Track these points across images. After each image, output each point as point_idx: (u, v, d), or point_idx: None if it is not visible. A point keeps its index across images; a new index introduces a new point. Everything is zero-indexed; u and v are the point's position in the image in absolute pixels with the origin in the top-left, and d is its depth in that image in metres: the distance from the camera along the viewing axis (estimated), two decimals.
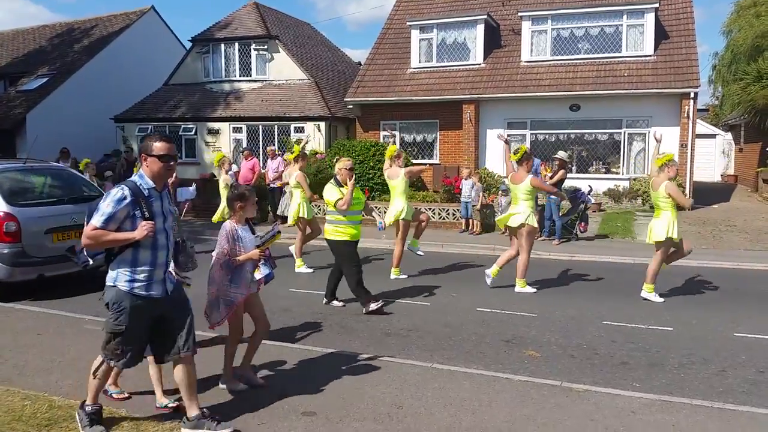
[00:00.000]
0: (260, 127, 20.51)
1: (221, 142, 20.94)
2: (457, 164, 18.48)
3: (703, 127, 27.52)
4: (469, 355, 5.99)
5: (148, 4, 27.83)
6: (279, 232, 5.03)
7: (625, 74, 17.29)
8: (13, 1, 79.53)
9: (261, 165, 17.70)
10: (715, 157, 29.28)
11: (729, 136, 29.19)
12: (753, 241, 12.41)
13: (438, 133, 19.44)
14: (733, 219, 15.20)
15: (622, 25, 17.80)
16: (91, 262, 4.16)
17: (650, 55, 17.45)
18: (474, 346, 6.28)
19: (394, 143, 14.35)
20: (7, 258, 8.08)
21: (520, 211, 8.34)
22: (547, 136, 18.50)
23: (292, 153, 11.13)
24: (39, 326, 6.92)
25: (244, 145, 20.19)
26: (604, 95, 17.22)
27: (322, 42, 27.17)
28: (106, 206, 3.79)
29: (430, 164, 18.96)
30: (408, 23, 20.25)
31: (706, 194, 19.32)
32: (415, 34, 19.92)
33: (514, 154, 8.60)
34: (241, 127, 20.77)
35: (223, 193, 10.66)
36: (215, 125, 21.05)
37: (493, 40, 19.74)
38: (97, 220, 3.78)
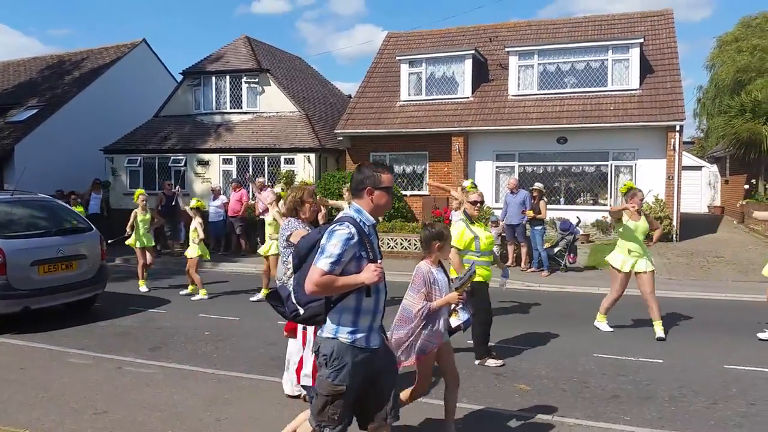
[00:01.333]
0: (250, 158, 20.55)
1: (211, 173, 20.94)
2: (447, 196, 18.55)
3: (689, 159, 27.90)
4: (459, 389, 5.92)
5: (140, 36, 28.08)
6: (475, 271, 4.66)
7: (611, 108, 17.54)
8: (6, 34, 79.89)
9: (249, 196, 17.70)
10: (701, 188, 29.60)
11: (715, 168, 29.57)
12: (741, 272, 12.48)
13: (427, 164, 19.57)
14: (721, 250, 15.30)
15: (607, 59, 18.12)
16: (301, 311, 3.46)
17: (636, 89, 17.74)
18: (464, 379, 6.20)
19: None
20: None
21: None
22: (535, 168, 18.65)
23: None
24: (22, 360, 6.80)
25: (234, 176, 20.20)
26: (590, 128, 17.43)
27: (312, 75, 27.43)
28: (333, 247, 3.21)
29: (419, 195, 19.08)
30: (397, 57, 20.52)
31: (694, 226, 19.47)
32: (405, 68, 20.18)
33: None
34: (231, 159, 20.80)
35: (269, 229, 10.23)
36: (205, 156, 21.07)
37: (481, 74, 20.02)
38: (324, 263, 3.19)
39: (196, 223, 10.74)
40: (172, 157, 21.32)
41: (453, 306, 4.52)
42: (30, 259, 8.30)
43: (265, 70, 21.64)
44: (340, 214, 3.49)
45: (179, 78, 23.86)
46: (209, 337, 8.01)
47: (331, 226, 3.31)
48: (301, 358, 4.17)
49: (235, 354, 7.19)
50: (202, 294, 10.64)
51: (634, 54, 17.80)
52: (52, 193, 15.08)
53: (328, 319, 3.37)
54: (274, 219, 9.73)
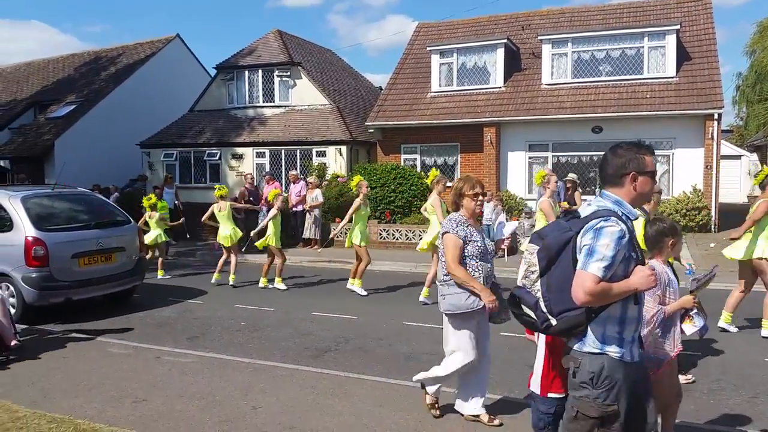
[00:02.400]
0: (283, 151, 20.72)
1: (245, 167, 21.17)
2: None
3: (727, 148, 27.22)
4: (491, 380, 5.92)
5: (174, 32, 28.46)
6: (716, 274, 4.12)
7: (648, 96, 17.21)
8: (43, 30, 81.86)
9: (283, 189, 17.86)
10: (740, 178, 28.87)
11: (755, 156, 28.81)
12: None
13: (459, 156, 19.47)
14: None
15: (643, 47, 17.75)
16: (554, 322, 2.94)
17: (672, 77, 17.36)
18: (496, 371, 6.20)
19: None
20: (35, 282, 8.22)
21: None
22: (569, 159, 18.41)
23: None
24: (64, 350, 7.01)
25: (267, 169, 20.39)
26: (626, 117, 17.13)
27: (343, 67, 27.48)
28: (604, 247, 2.75)
29: (450, 187, 19.00)
30: (428, 48, 20.42)
31: (733, 216, 18.98)
32: (436, 59, 20.07)
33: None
34: (264, 152, 21.00)
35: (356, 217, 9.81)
36: (239, 150, 21.32)
37: (514, 64, 19.81)
38: (597, 268, 2.72)
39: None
40: (207, 151, 21.62)
41: (687, 311, 4.07)
42: (71, 252, 8.53)
43: (297, 64, 21.75)
44: (592, 207, 2.98)
45: (213, 73, 24.15)
46: (245, 327, 8.14)
47: (594, 222, 2.82)
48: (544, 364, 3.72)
49: (270, 344, 7.29)
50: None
51: (671, 41, 17.41)
52: (89, 187, 15.47)
53: (589, 331, 2.88)
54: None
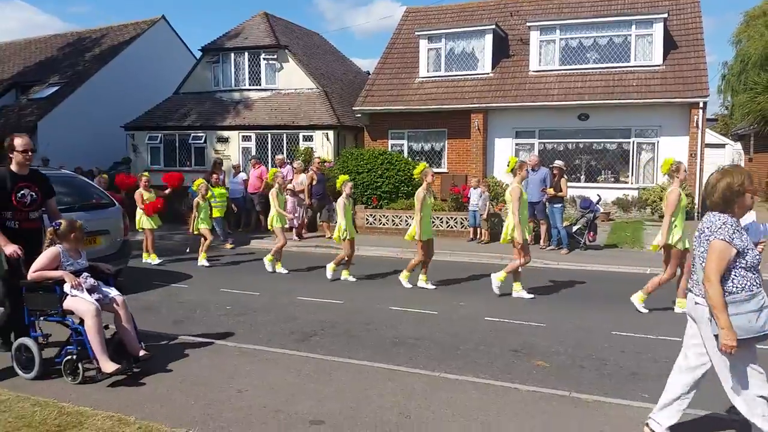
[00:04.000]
0: (269, 135, 20.60)
1: (230, 151, 21.03)
2: (465, 173, 18.49)
3: (712, 136, 27.43)
4: (476, 364, 5.97)
5: (159, 13, 28.12)
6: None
7: (634, 84, 17.27)
8: (24, 10, 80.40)
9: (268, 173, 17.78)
10: (724, 166, 29.13)
11: (738, 145, 29.09)
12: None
13: (446, 142, 19.46)
14: None
15: (630, 35, 17.79)
16: None
17: (659, 65, 17.43)
18: (482, 355, 6.26)
19: None
20: None
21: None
22: (555, 146, 18.48)
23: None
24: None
25: (253, 153, 20.28)
26: (612, 105, 17.20)
27: (331, 51, 27.31)
28: None
29: (438, 173, 19.01)
30: (416, 33, 20.32)
31: None
32: (424, 44, 19.99)
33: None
34: (250, 136, 20.87)
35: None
36: (224, 133, 21.17)
37: (502, 50, 19.78)
38: None
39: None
40: (192, 134, 21.47)
41: None
42: None
43: (284, 47, 21.58)
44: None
45: (198, 55, 23.92)
46: (231, 311, 8.13)
47: None
48: None
49: (255, 327, 7.29)
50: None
51: (658, 29, 17.46)
52: (72, 169, 15.30)
53: None
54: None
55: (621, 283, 9.87)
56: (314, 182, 15.43)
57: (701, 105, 16.43)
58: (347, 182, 10.11)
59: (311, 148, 19.61)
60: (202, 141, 21.41)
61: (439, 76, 19.79)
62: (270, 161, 19.58)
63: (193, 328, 7.27)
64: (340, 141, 20.18)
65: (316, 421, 4.52)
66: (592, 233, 12.99)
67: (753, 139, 25.32)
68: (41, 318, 5.56)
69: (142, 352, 5.52)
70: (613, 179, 18.13)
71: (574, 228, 13.10)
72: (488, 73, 19.24)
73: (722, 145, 29.25)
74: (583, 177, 18.13)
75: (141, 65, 25.42)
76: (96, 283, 5.56)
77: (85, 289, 5.39)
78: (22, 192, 5.77)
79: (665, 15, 17.50)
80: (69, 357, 5.35)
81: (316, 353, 6.20)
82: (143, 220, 12.25)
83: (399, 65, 20.91)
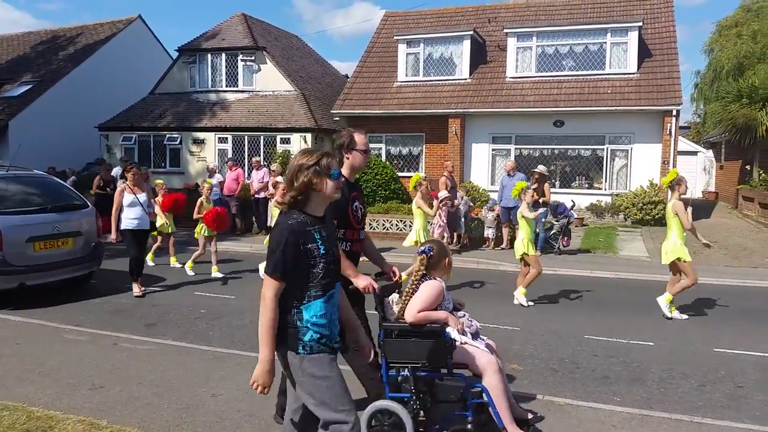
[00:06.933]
0: (246, 137, 20.49)
1: (206, 152, 20.87)
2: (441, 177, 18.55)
3: (685, 144, 27.93)
4: None
5: (134, 12, 27.83)
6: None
7: (609, 91, 17.52)
8: None
9: (245, 175, 17.69)
10: (696, 173, 29.67)
11: (710, 153, 29.62)
12: (733, 257, 12.58)
13: (423, 146, 19.55)
14: (713, 235, 15.37)
15: (606, 42, 18.06)
16: None
17: (633, 73, 17.71)
18: None
19: None
20: None
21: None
22: (531, 151, 18.66)
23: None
24: (18, 336, 6.84)
25: (230, 155, 20.14)
26: (587, 112, 17.43)
27: (309, 54, 27.26)
28: None
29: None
30: (395, 37, 20.39)
31: None
32: (402, 49, 20.06)
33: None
34: (226, 137, 20.74)
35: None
36: (200, 135, 21.00)
37: (479, 56, 19.94)
38: None
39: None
40: (167, 135, 21.26)
41: None
42: (26, 236, 8.30)
43: (262, 48, 21.50)
44: None
45: (175, 55, 23.70)
46: (205, 314, 8.07)
47: None
48: None
49: (230, 331, 7.25)
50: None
51: (633, 37, 17.74)
52: (44, 169, 15.06)
53: None
54: None
55: (594, 287, 10.00)
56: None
57: (674, 113, 16.72)
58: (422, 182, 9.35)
59: (289, 150, 19.55)
60: (178, 142, 21.22)
61: (417, 81, 19.88)
62: (247, 163, 19.47)
63: (167, 331, 7.20)
64: (319, 144, 20.14)
65: None
66: (566, 238, 13.14)
67: (724, 146, 25.79)
68: (407, 373, 3.98)
69: (530, 415, 4.43)
70: (587, 185, 18.36)
71: (549, 233, 13.24)
72: (466, 79, 19.37)
73: (694, 153, 29.77)
74: (558, 183, 18.33)
75: (116, 65, 25.13)
76: (479, 327, 4.39)
77: (470, 335, 4.22)
78: (355, 204, 4.28)
79: (640, 23, 17.80)
80: (460, 428, 3.94)
81: None
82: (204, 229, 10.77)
83: (377, 69, 20.95)
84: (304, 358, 2.90)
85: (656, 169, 17.06)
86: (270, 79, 21.54)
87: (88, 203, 9.78)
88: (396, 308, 4.19)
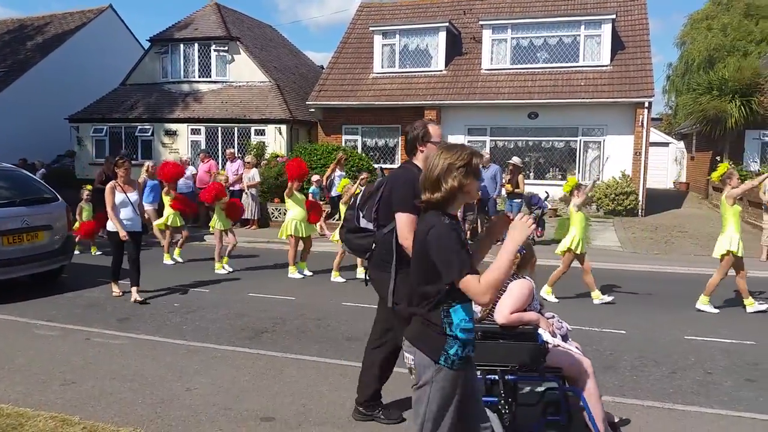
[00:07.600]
0: (219, 129, 20.28)
1: (179, 144, 20.61)
2: None
3: (656, 135, 28.32)
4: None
5: (106, 2, 27.26)
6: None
7: (582, 83, 17.68)
8: None
9: (219, 167, 17.51)
10: (667, 164, 30.13)
11: (681, 144, 30.09)
12: (703, 246, 12.79)
13: (399, 138, 19.53)
14: (684, 225, 15.66)
15: (579, 35, 18.20)
16: None
17: (606, 65, 17.88)
18: None
19: None
20: None
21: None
22: (506, 143, 18.77)
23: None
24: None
25: (203, 147, 19.92)
26: (561, 104, 17.57)
27: (284, 44, 27.03)
28: None
29: (391, 169, 19.08)
30: (371, 28, 20.31)
31: (659, 201, 19.86)
32: (378, 40, 20.00)
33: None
34: (199, 129, 20.50)
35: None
36: (173, 126, 20.73)
37: (455, 48, 19.95)
38: None
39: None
40: (138, 127, 20.96)
41: None
42: None
43: (235, 39, 21.26)
44: None
45: (146, 45, 23.33)
46: (178, 308, 7.99)
47: None
48: None
49: (204, 325, 7.18)
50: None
51: (606, 30, 17.90)
52: (15, 162, 14.73)
53: None
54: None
55: (567, 277, 10.09)
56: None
57: (647, 105, 16.95)
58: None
59: (263, 142, 19.40)
60: (150, 134, 20.92)
61: (393, 72, 19.84)
62: (220, 155, 19.29)
63: (140, 325, 7.12)
64: (293, 136, 20.02)
65: (266, 417, 4.49)
66: (540, 229, 13.26)
67: (695, 138, 26.20)
68: (496, 377, 3.81)
69: (617, 418, 4.34)
70: (560, 176, 18.51)
71: None
72: (441, 70, 19.39)
73: (666, 144, 30.21)
74: (532, 174, 18.47)
75: (87, 55, 24.64)
76: (569, 328, 4.30)
77: (560, 336, 4.16)
78: None
79: (614, 16, 17.97)
80: None
81: (267, 350, 6.14)
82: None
83: (353, 60, 20.86)
84: (441, 369, 2.69)
85: (628, 161, 17.28)
86: (244, 70, 21.33)
87: (59, 196, 9.59)
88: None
